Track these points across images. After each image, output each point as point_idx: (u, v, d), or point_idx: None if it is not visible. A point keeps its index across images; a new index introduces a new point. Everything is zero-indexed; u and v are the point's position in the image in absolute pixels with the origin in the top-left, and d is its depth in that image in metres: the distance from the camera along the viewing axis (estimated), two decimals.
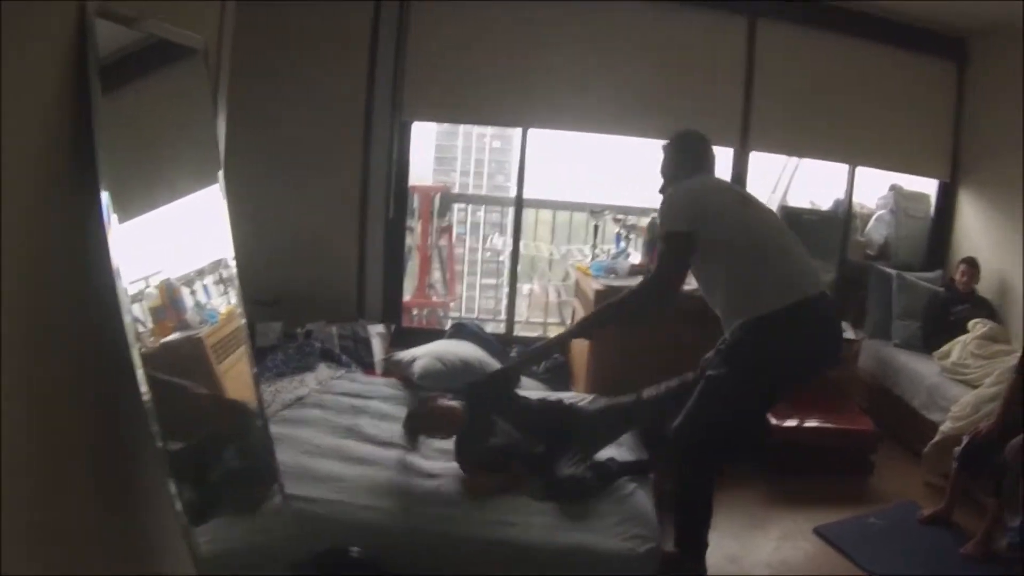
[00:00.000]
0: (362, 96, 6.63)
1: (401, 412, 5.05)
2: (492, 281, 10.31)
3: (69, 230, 2.18)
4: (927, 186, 7.90)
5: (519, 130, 7.11)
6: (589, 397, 5.17)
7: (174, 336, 2.69)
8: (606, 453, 4.38)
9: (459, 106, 7.06)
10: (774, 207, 7.14)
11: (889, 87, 7.32)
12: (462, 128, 10.42)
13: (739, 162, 7.08)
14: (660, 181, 4.50)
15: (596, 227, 6.96)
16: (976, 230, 7.36)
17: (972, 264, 6.83)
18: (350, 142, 6.68)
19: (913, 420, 6.18)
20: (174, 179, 2.88)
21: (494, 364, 5.74)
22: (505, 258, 8.43)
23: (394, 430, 4.73)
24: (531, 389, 5.44)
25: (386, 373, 5.97)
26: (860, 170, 7.64)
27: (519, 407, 4.63)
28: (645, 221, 6.59)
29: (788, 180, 8.72)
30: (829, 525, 4.97)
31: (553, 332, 8.44)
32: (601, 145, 8.79)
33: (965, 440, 4.97)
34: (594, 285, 5.96)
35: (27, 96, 1.90)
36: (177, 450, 2.44)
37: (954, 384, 5.95)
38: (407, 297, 7.90)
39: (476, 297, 10.47)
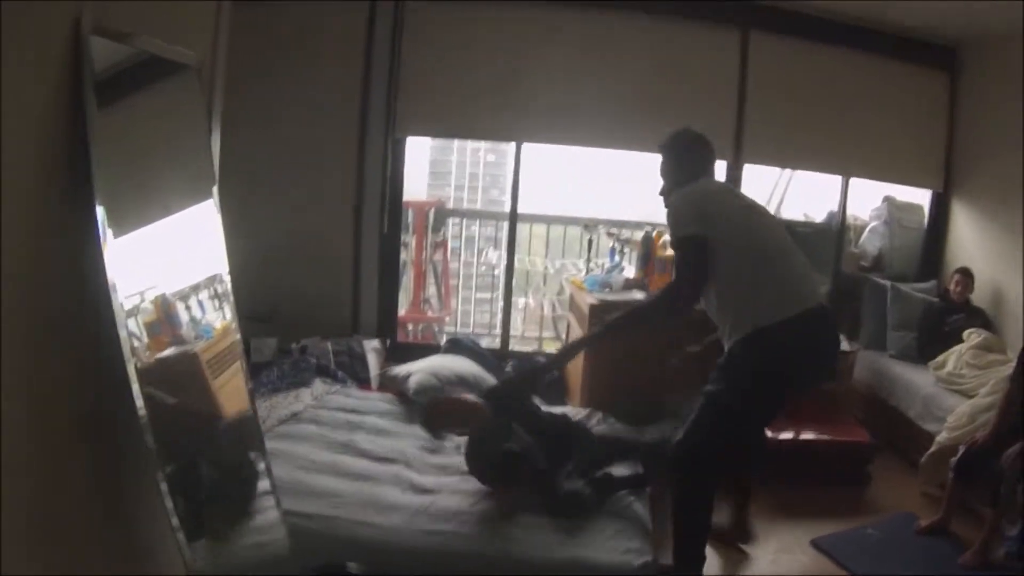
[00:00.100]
0: (356, 112, 6.64)
1: (397, 428, 5.07)
2: (487, 295, 10.28)
3: (65, 245, 2.18)
4: (921, 197, 7.91)
5: (513, 144, 7.12)
6: (596, 415, 5.21)
7: (169, 351, 2.69)
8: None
9: (453, 122, 7.07)
10: None
11: (882, 98, 7.34)
12: (456, 142, 10.42)
13: (732, 175, 7.07)
14: (658, 185, 4.42)
15: (590, 241, 6.97)
16: (970, 240, 7.37)
17: (966, 274, 6.83)
18: (344, 158, 6.70)
19: (909, 431, 6.18)
20: (169, 194, 2.88)
21: (489, 379, 5.75)
22: (500, 272, 8.40)
23: (390, 445, 4.75)
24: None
25: (382, 388, 5.96)
26: (854, 181, 7.66)
27: (532, 414, 4.64)
28: (639, 235, 6.59)
29: (782, 192, 8.72)
30: (826, 537, 4.95)
31: (548, 346, 8.45)
32: (595, 159, 8.79)
33: (961, 450, 4.97)
34: (589, 299, 5.96)
35: (23, 112, 1.91)
36: (171, 464, 2.44)
37: (950, 394, 5.95)
38: (402, 312, 7.90)
39: (471, 312, 10.48)
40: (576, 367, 5.89)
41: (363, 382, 6.08)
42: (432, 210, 8.89)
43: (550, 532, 3.86)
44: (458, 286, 10.07)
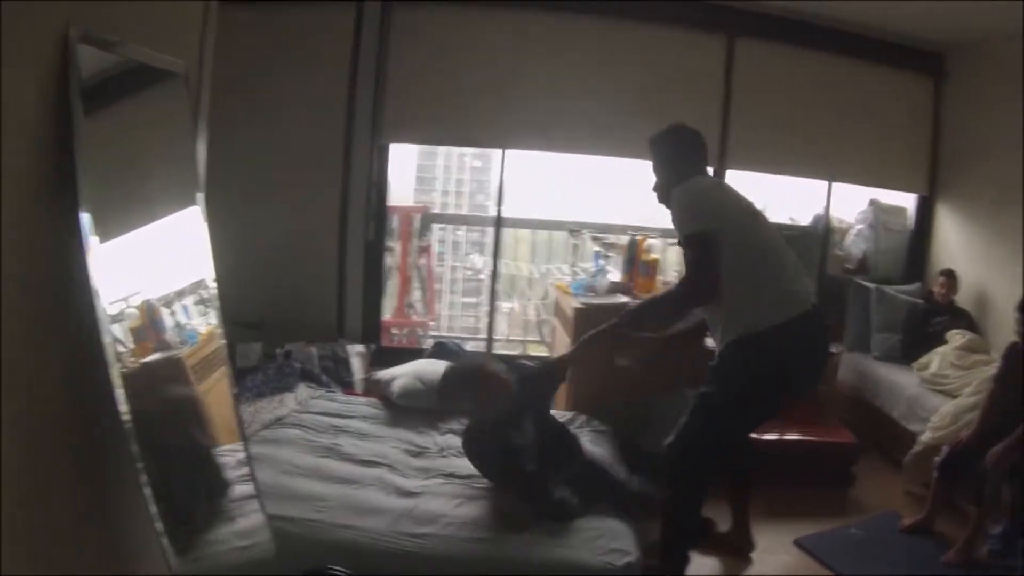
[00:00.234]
0: (342, 118, 6.65)
1: (381, 431, 5.07)
2: (472, 300, 10.31)
3: (50, 251, 2.18)
4: (905, 200, 7.95)
5: (499, 150, 7.14)
6: (580, 418, 5.20)
7: (154, 356, 2.69)
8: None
9: (438, 128, 7.08)
10: None
11: (867, 103, 7.39)
12: (442, 148, 10.41)
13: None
14: (646, 189, 4.42)
15: (575, 246, 6.97)
16: (954, 243, 7.42)
17: (951, 276, 6.88)
18: (330, 164, 6.70)
19: (893, 431, 6.22)
20: (154, 200, 2.89)
21: None
22: (485, 277, 8.42)
23: (374, 449, 4.75)
24: None
25: (366, 393, 5.97)
26: (839, 185, 7.68)
27: (543, 413, 4.65)
28: (624, 239, 6.61)
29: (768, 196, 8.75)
30: (810, 536, 4.99)
31: (533, 350, 8.44)
32: (580, 164, 8.78)
33: (945, 449, 5.01)
34: (573, 303, 5.97)
35: (9, 119, 1.91)
36: (156, 468, 2.44)
37: (934, 394, 6.00)
38: (387, 317, 7.89)
39: (456, 316, 10.49)
40: None
41: (348, 386, 6.08)
42: (418, 216, 8.88)
43: (533, 534, 3.87)
44: (443, 291, 10.08)
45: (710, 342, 5.53)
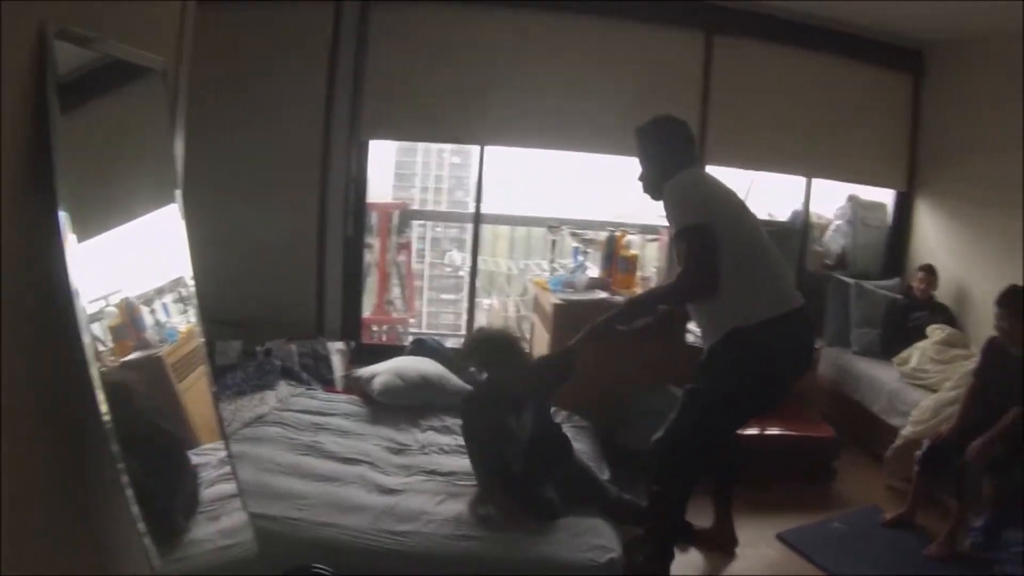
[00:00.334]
0: (320, 115, 6.61)
1: (362, 429, 5.07)
2: (452, 296, 10.29)
3: (27, 250, 2.16)
4: (884, 195, 7.97)
5: (478, 146, 7.13)
6: (562, 414, 5.19)
7: (134, 355, 2.67)
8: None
9: (417, 125, 7.04)
10: None
11: (846, 99, 7.41)
12: (421, 144, 10.38)
13: None
14: (631, 181, 4.40)
15: (554, 242, 6.96)
16: (933, 238, 7.45)
17: (930, 271, 6.91)
18: (308, 160, 6.67)
19: (874, 425, 6.25)
20: (133, 198, 2.87)
21: (454, 379, 5.74)
22: (464, 273, 8.42)
23: (355, 446, 4.75)
24: None
25: (346, 390, 5.95)
26: (818, 180, 7.71)
27: (546, 408, 4.65)
28: (603, 235, 6.59)
29: (746, 192, 8.75)
30: (792, 530, 5.00)
31: None
32: (558, 161, 8.77)
33: (926, 444, 5.03)
34: (552, 299, 5.97)
35: None
36: (136, 467, 2.42)
37: (914, 389, 6.03)
38: (366, 314, 7.87)
39: (436, 313, 10.47)
40: None
41: (328, 384, 6.07)
42: (397, 212, 8.86)
43: (515, 531, 3.88)
44: (423, 287, 10.06)
45: (691, 338, 5.56)
